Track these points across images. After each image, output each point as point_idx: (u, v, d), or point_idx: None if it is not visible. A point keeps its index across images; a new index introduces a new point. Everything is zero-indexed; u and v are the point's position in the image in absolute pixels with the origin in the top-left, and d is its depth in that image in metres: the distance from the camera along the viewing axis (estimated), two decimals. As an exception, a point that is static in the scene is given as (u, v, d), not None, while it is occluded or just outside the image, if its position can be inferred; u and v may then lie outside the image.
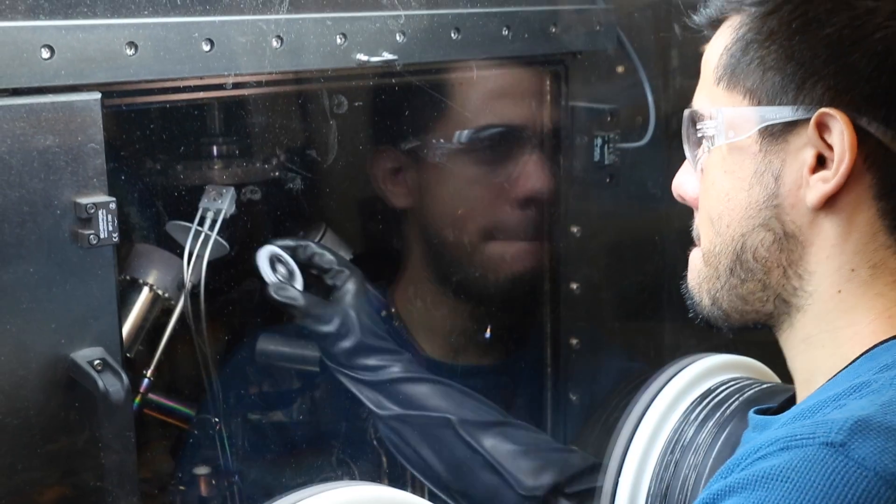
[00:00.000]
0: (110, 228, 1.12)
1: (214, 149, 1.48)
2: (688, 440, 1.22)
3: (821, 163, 0.88)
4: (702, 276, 1.02)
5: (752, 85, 0.92)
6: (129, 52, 1.13)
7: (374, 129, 1.63)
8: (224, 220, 1.37)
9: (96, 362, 1.12)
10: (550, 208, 1.65)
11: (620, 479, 1.22)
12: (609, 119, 1.59)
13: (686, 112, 1.02)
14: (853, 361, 0.88)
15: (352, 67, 1.31)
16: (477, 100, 1.56)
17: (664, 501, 1.20)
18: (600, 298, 1.72)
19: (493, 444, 1.42)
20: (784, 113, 0.89)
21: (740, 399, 1.24)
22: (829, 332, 0.91)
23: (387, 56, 1.32)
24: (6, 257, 1.08)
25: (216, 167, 1.47)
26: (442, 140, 1.55)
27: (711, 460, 1.19)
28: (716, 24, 1.01)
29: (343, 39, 1.29)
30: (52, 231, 1.10)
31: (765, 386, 1.28)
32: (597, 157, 1.60)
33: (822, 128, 0.86)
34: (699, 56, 1.73)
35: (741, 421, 1.20)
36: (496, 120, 1.58)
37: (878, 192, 0.87)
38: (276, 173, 1.50)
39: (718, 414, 1.22)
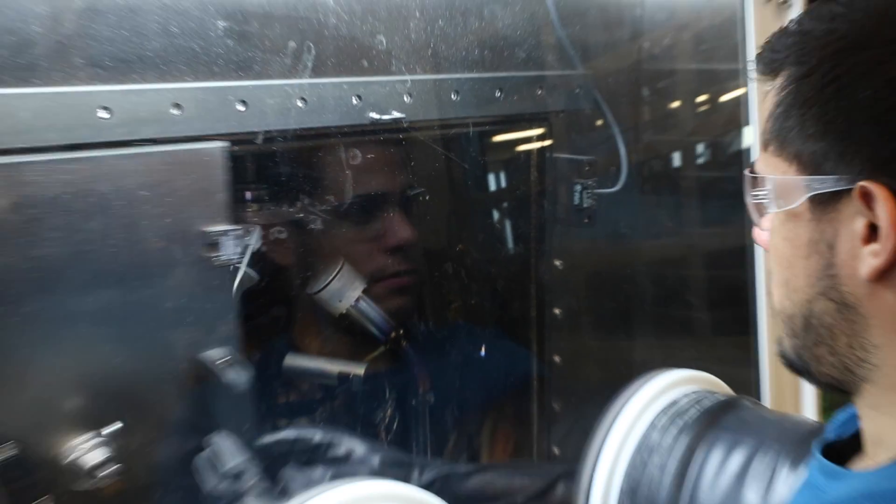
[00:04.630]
0: (232, 251, 1.18)
1: (249, 194, 1.49)
2: (654, 444, 1.22)
3: (874, 231, 0.73)
4: (784, 332, 0.86)
5: (796, 152, 0.77)
6: (175, 111, 1.15)
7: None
8: (252, 255, 1.38)
9: (222, 360, 1.18)
10: (537, 245, 1.66)
11: (595, 477, 1.22)
12: (587, 168, 1.60)
13: (745, 173, 0.88)
14: None
15: (365, 124, 1.32)
16: (346, 173, 1.52)
17: (634, 495, 1.20)
18: (579, 322, 1.72)
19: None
20: (828, 183, 0.75)
21: (698, 409, 1.24)
22: None
23: (396, 114, 1.33)
24: (153, 276, 1.15)
25: (250, 210, 1.47)
26: (319, 206, 1.52)
27: (676, 462, 1.19)
28: (769, 77, 0.85)
29: (358, 100, 1.31)
30: (187, 254, 1.17)
31: (719, 398, 1.28)
32: (576, 201, 1.60)
33: (867, 198, 0.72)
34: (665, 114, 1.75)
35: (699, 426, 1.21)
36: (362, 190, 1.54)
37: None
38: (302, 215, 1.50)
39: (680, 421, 1.22)
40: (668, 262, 1.80)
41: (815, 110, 0.75)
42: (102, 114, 1.10)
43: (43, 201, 1.06)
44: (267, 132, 1.23)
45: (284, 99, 1.24)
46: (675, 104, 1.76)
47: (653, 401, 1.26)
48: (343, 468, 1.28)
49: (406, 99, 1.36)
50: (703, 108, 1.75)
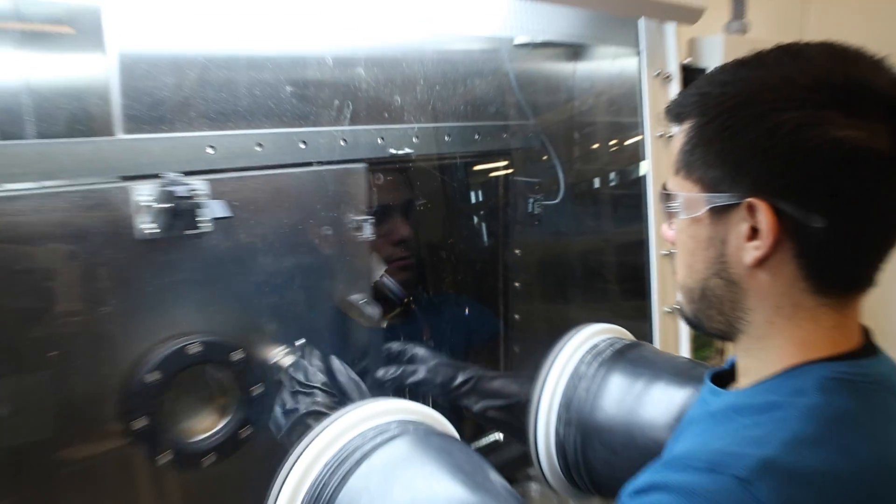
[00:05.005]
0: (369, 232, 1.29)
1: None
2: (581, 373, 1.22)
3: (754, 231, 0.74)
4: (684, 300, 0.85)
5: (700, 176, 0.76)
6: (258, 148, 1.16)
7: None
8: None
9: (363, 300, 1.29)
10: (504, 239, 1.66)
11: (543, 395, 1.23)
12: (536, 187, 1.60)
13: (660, 191, 0.86)
14: (775, 375, 0.75)
15: (386, 157, 1.33)
16: (372, 189, 1.48)
17: (568, 407, 1.20)
18: (532, 291, 1.72)
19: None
20: (723, 199, 0.74)
21: (612, 349, 1.24)
22: (762, 348, 0.78)
23: (407, 150, 1.33)
24: (322, 248, 1.25)
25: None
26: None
27: (596, 386, 1.19)
28: (676, 123, 0.83)
29: (381, 140, 1.31)
30: (343, 233, 1.28)
31: (626, 342, 1.29)
32: (530, 209, 1.61)
33: (751, 209, 0.72)
34: (589, 151, 1.76)
35: (612, 361, 1.21)
36: (382, 201, 1.54)
37: (797, 254, 0.72)
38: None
39: (599, 358, 1.23)
40: (591, 250, 1.81)
41: (715, 148, 0.74)
42: (209, 150, 1.10)
43: (262, 200, 1.16)
44: (318, 162, 1.23)
45: (331, 139, 1.25)
46: (596, 145, 1.77)
47: (581, 344, 1.27)
48: (412, 365, 1.38)
49: (414, 140, 1.36)
50: (613, 148, 1.76)
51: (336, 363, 1.19)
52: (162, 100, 1.07)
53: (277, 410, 1.15)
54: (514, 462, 1.60)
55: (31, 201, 0.95)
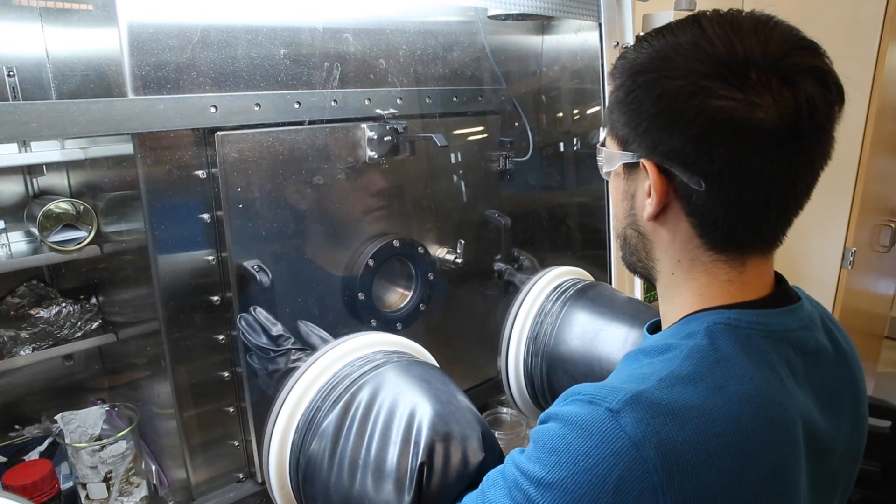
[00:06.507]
0: (502, 164, 1.53)
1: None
2: (547, 310, 1.23)
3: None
4: (618, 244, 0.83)
5: (615, 134, 0.74)
6: (256, 108, 1.13)
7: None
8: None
9: (497, 214, 1.53)
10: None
11: (514, 327, 1.24)
12: (509, 146, 1.59)
13: (598, 145, 0.83)
14: (677, 321, 0.75)
15: (373, 116, 1.30)
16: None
17: (535, 340, 1.22)
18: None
19: None
20: (628, 157, 0.72)
21: (573, 289, 1.26)
22: (670, 296, 0.76)
23: (392, 111, 1.31)
24: (471, 174, 1.49)
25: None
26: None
27: (558, 321, 1.20)
28: (612, 83, 0.77)
29: (369, 101, 1.29)
30: (485, 164, 1.53)
31: (586, 282, 1.29)
32: (502, 165, 1.59)
33: (646, 169, 0.70)
34: (555, 118, 1.73)
35: (573, 299, 1.22)
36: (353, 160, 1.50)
37: (687, 212, 0.70)
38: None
39: (562, 296, 1.24)
40: (556, 204, 1.80)
41: (622, 109, 0.71)
42: (212, 109, 1.07)
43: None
44: (311, 121, 1.20)
45: (322, 100, 1.22)
46: (561, 113, 1.74)
47: (547, 285, 1.28)
48: (519, 271, 1.51)
49: (398, 101, 1.34)
50: (577, 116, 1.74)
51: (303, 327, 1.12)
52: (165, 61, 1.04)
53: (261, 374, 1.08)
54: (488, 389, 1.61)
55: (304, 134, 1.20)
